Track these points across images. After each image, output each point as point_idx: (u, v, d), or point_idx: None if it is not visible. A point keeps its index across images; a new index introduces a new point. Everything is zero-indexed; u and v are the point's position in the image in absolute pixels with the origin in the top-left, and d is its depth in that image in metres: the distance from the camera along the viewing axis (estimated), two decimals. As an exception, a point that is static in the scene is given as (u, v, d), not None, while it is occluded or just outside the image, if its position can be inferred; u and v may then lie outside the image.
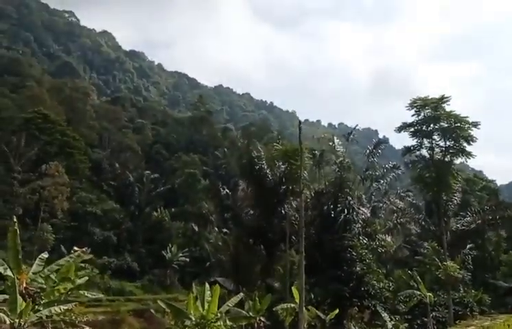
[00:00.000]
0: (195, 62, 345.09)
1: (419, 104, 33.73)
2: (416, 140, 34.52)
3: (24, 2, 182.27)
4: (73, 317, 21.29)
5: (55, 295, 18.82)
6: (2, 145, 58.08)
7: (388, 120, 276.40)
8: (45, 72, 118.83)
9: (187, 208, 67.19)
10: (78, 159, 70.32)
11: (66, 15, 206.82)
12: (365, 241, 34.32)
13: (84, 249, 17.17)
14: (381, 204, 37.53)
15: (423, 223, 42.29)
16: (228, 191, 37.94)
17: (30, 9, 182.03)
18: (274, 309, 28.20)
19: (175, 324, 20.26)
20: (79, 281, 23.53)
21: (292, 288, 27.31)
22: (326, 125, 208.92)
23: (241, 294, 23.09)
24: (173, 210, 69.37)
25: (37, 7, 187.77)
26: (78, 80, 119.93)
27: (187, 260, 60.36)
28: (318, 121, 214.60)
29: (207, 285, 20.84)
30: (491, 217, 39.31)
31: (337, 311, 28.08)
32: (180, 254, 60.49)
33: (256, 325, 27.84)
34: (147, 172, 74.02)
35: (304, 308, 24.47)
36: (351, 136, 34.99)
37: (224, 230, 41.95)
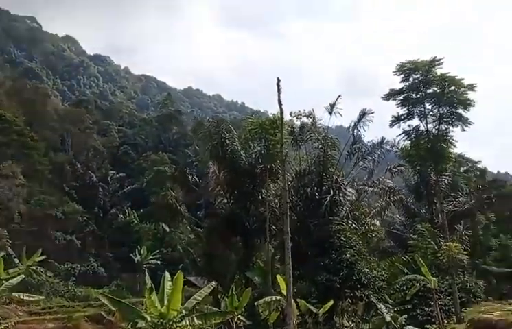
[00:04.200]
0: (164, 66, 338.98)
1: (407, 68, 30.25)
2: (405, 109, 30.97)
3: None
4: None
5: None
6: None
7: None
8: (6, 79, 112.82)
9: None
10: (37, 161, 65.65)
11: (28, 20, 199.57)
12: (354, 225, 30.72)
13: None
14: (368, 184, 33.87)
15: (411, 205, 39.17)
16: (197, 179, 33.67)
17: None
18: (255, 304, 24.22)
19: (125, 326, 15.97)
20: (9, 282, 19.40)
21: (277, 277, 23.41)
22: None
23: (213, 283, 18.74)
24: (141, 210, 64.89)
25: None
26: (40, 84, 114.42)
27: (158, 262, 55.80)
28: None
29: (167, 274, 16.61)
30: (485, 196, 36.39)
31: (331, 303, 24.32)
32: (151, 257, 56.08)
33: (234, 325, 23.70)
34: (112, 171, 69.37)
35: (292, 301, 20.62)
36: (335, 108, 31.14)
37: (196, 222, 37.61)
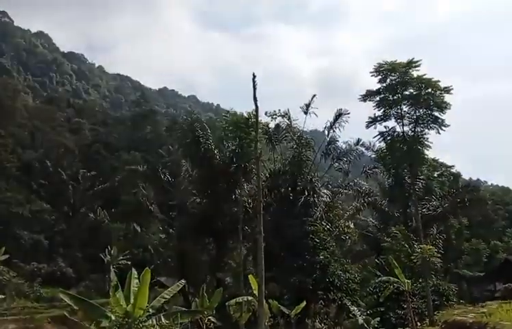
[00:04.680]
0: (139, 65, 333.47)
1: (384, 69, 29.99)
2: (382, 110, 30.70)
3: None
4: None
5: None
6: None
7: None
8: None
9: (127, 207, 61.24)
10: (4, 158, 63.56)
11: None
12: (328, 227, 30.33)
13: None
14: (343, 186, 33.57)
15: (386, 208, 39.02)
16: (170, 178, 32.74)
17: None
18: (226, 304, 23.51)
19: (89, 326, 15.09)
20: None
21: (249, 277, 22.74)
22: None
23: (182, 281, 17.92)
24: (113, 210, 63.19)
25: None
26: (9, 79, 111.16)
27: (129, 263, 54.27)
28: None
29: (134, 271, 15.75)
30: (459, 200, 36.54)
31: (304, 304, 23.80)
32: (121, 257, 54.43)
33: (204, 326, 22.96)
34: (83, 170, 67.40)
35: (264, 302, 19.97)
36: (310, 108, 30.74)
37: (169, 223, 36.64)
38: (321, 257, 28.32)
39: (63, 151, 76.29)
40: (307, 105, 30.87)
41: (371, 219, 46.07)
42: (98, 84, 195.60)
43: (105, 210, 63.67)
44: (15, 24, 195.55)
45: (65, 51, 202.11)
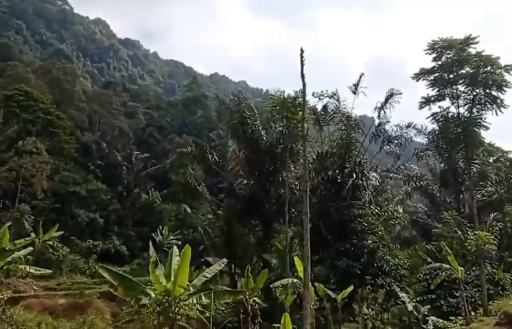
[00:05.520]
0: (192, 52, 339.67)
1: (440, 46, 28.47)
2: (436, 90, 29.24)
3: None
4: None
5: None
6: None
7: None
8: (37, 59, 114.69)
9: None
10: (63, 139, 66.25)
11: (59, 2, 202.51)
12: (377, 211, 29.48)
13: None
14: (392, 170, 32.50)
15: (437, 194, 37.53)
16: (217, 158, 32.90)
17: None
18: (271, 286, 23.41)
19: (125, 303, 15.15)
20: (18, 253, 18.96)
21: (295, 258, 22.47)
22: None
23: (224, 260, 17.84)
24: (164, 192, 64.87)
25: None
26: (69, 64, 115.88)
27: (179, 243, 55.42)
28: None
29: (175, 249, 15.74)
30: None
31: (351, 288, 23.26)
32: (172, 237, 55.74)
33: (249, 307, 22.93)
34: (137, 152, 69.49)
35: (310, 285, 19.57)
36: (359, 88, 29.80)
37: (218, 204, 36.90)
38: (369, 241, 27.65)
39: (118, 133, 78.95)
40: (356, 85, 29.93)
41: (421, 205, 44.60)
42: (152, 70, 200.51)
43: (157, 191, 65.46)
44: (74, 11, 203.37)
45: (122, 38, 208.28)
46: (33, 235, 39.48)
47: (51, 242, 40.28)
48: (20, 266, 18.76)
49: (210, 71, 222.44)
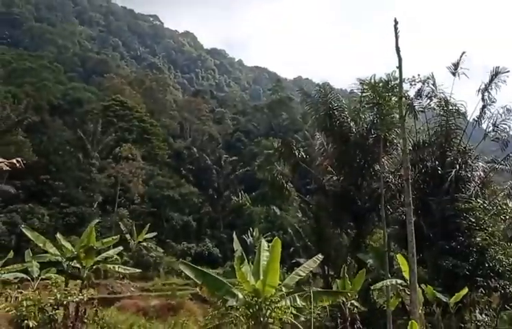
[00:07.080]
0: (275, 57, 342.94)
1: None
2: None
3: (110, 9, 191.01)
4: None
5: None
6: (79, 132, 57.23)
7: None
8: (132, 73, 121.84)
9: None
10: (156, 145, 69.28)
11: (151, 18, 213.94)
12: (485, 205, 26.32)
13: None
14: (498, 160, 28.91)
15: None
16: (304, 154, 31.51)
17: (116, 15, 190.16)
18: (372, 288, 21.56)
19: (214, 305, 14.04)
20: (107, 253, 19.00)
21: (397, 257, 20.40)
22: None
23: (320, 256, 16.35)
24: (253, 194, 65.03)
25: (123, 13, 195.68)
26: (161, 76, 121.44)
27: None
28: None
29: (264, 242, 14.47)
30: None
31: (465, 291, 20.67)
32: (263, 239, 55.40)
33: (347, 311, 21.30)
34: (225, 156, 70.58)
35: (417, 287, 17.40)
36: (459, 68, 26.80)
37: (306, 202, 35.58)
38: (478, 239, 24.67)
39: (207, 138, 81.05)
40: (455, 65, 26.96)
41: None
42: (238, 77, 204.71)
43: (246, 194, 65.83)
44: (165, 26, 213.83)
45: (208, 48, 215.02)
46: (128, 237, 41.00)
47: (145, 244, 41.51)
48: (108, 266, 18.81)
49: (293, 75, 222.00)
